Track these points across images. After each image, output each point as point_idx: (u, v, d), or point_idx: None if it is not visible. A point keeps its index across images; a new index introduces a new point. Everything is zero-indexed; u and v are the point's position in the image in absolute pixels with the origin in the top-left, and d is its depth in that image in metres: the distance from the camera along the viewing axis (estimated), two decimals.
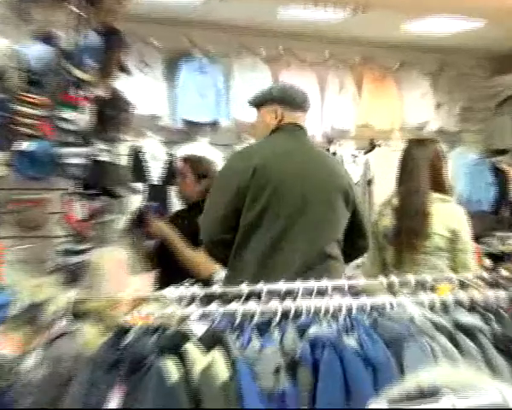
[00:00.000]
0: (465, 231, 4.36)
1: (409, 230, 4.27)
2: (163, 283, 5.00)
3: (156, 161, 7.07)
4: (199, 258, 4.94)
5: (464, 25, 7.79)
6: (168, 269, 5.17)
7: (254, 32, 7.78)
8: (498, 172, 8.87)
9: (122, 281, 4.27)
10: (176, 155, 7.23)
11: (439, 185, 4.40)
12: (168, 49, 7.41)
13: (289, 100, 3.96)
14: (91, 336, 2.45)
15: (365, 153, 8.35)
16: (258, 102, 4.03)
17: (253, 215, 3.68)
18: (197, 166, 5.27)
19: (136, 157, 6.96)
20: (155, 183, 6.97)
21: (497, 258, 7.56)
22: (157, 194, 6.60)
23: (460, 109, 9.10)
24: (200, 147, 7.35)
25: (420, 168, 4.36)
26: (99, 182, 4.42)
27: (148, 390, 2.09)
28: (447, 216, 4.33)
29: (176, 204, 6.89)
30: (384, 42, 8.38)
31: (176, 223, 5.29)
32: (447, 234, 4.30)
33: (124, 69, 4.52)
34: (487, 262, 6.96)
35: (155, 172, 7.04)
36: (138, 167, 6.83)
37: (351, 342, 2.40)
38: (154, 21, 7.25)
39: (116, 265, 4.55)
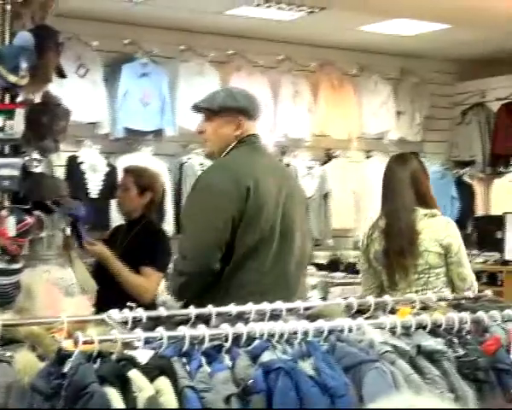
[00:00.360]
0: (457, 243, 4.49)
1: (398, 250, 4.41)
2: (102, 305, 5.03)
3: (95, 173, 7.06)
4: (139, 281, 5.02)
5: (427, 28, 7.94)
6: (107, 290, 5.17)
7: (202, 32, 7.84)
8: (463, 186, 9.05)
9: (57, 303, 4.27)
10: (117, 166, 7.24)
11: (424, 200, 4.51)
12: (108, 50, 7.43)
13: (249, 109, 3.93)
14: (26, 363, 2.45)
15: (321, 164, 8.45)
16: (212, 110, 3.90)
17: (251, 239, 3.71)
18: (141, 178, 5.27)
19: (73, 168, 6.95)
20: (94, 196, 6.95)
21: None
22: (96, 208, 6.56)
23: (422, 118, 9.26)
24: (143, 157, 7.36)
25: (403, 185, 4.47)
26: (33, 195, 4.40)
27: None
28: (436, 231, 4.45)
29: (116, 219, 6.92)
30: (342, 44, 8.51)
31: (115, 240, 5.29)
32: (439, 249, 4.43)
33: (61, 73, 4.52)
34: None
35: (94, 184, 7.03)
36: (75, 179, 6.81)
37: (307, 368, 2.45)
38: (93, 19, 7.28)
39: (51, 286, 4.55)
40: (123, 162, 7.29)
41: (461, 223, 8.69)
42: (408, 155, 4.88)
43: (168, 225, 7.45)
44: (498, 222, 7.05)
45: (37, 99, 4.50)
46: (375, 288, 4.54)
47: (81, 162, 7.08)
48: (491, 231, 7.35)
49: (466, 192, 8.98)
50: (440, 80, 9.43)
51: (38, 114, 4.37)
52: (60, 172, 6.77)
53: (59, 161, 6.72)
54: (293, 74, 8.32)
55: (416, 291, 4.29)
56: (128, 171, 5.42)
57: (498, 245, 6.96)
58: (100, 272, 5.26)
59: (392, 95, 8.95)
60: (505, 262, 6.89)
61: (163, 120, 7.46)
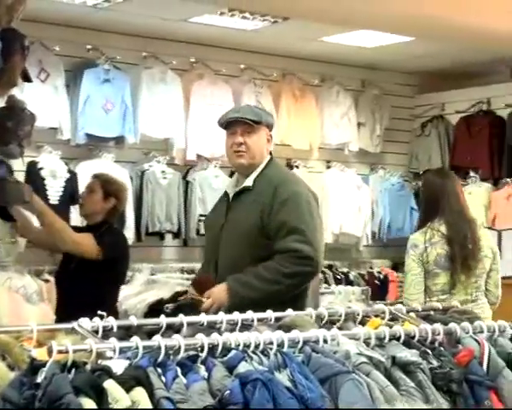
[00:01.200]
0: (498, 252, 5.20)
1: (464, 255, 4.92)
2: (62, 313, 4.97)
3: (55, 179, 6.97)
4: (67, 229, 5.08)
5: (389, 40, 7.99)
6: (68, 298, 5.11)
7: (165, 39, 7.81)
8: None
9: (20, 311, 4.22)
10: (77, 172, 7.16)
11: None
12: (70, 55, 7.35)
13: (272, 124, 4.27)
14: None
15: None
16: (256, 122, 4.06)
17: None
18: (107, 183, 5.32)
19: (33, 174, 6.85)
20: (54, 202, 6.85)
21: None
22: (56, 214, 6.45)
23: (382, 130, 9.31)
24: (105, 164, 7.30)
25: (459, 197, 5.08)
26: None
27: None
28: (490, 239, 5.18)
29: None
30: (304, 55, 8.53)
31: None
32: (491, 255, 5.06)
33: (26, 77, 4.45)
34: None
35: (54, 190, 6.94)
36: (35, 185, 6.67)
37: (283, 379, 2.43)
38: (55, 24, 7.21)
39: (13, 293, 4.48)
40: (83, 169, 7.24)
41: None
42: (446, 170, 5.88)
43: (129, 232, 7.39)
44: None
45: (2, 103, 4.43)
46: (422, 292, 4.95)
47: (41, 168, 6.98)
48: None
49: None
50: (401, 92, 9.49)
51: (3, 118, 4.31)
52: (19, 178, 6.65)
53: (18, 166, 6.62)
54: (255, 83, 8.31)
55: (471, 293, 4.95)
56: (97, 176, 5.47)
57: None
58: (61, 279, 5.20)
59: (353, 106, 8.99)
60: None
61: (125, 127, 7.40)
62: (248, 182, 4.11)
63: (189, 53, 8.02)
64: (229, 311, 3.22)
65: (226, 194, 4.25)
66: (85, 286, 4.92)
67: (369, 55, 8.57)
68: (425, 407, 2.54)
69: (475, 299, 4.99)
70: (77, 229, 5.38)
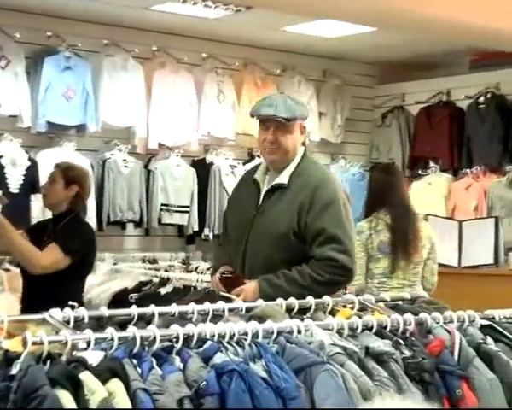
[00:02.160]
0: (436, 243, 5.55)
1: (405, 243, 5.31)
2: (28, 303, 4.91)
3: (15, 167, 6.89)
4: (33, 250, 4.86)
5: (350, 30, 8.01)
6: (33, 290, 5.05)
7: (126, 26, 7.75)
8: None
9: None
10: (38, 160, 7.09)
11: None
12: (31, 42, 7.26)
13: (306, 115, 4.13)
14: None
15: (244, 163, 8.44)
16: (289, 119, 3.91)
17: None
18: (68, 171, 5.20)
19: None
20: (15, 191, 6.78)
21: None
22: (17, 204, 6.37)
23: (343, 120, 9.35)
24: (66, 152, 7.23)
25: (404, 193, 5.61)
26: None
27: None
28: (428, 231, 5.54)
29: (37, 215, 6.78)
30: (266, 44, 8.53)
31: (36, 234, 5.14)
32: (429, 246, 5.45)
33: None
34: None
35: (15, 179, 6.86)
36: None
37: (258, 370, 2.43)
38: (15, 10, 7.11)
39: None
40: (44, 157, 7.17)
41: None
42: (391, 165, 6.37)
43: (90, 221, 7.30)
44: None
45: None
46: (364, 274, 5.30)
47: (1, 156, 6.91)
48: None
49: None
50: (361, 83, 9.53)
51: None
52: None
53: None
54: (217, 72, 8.29)
55: (409, 279, 5.34)
56: (58, 165, 5.35)
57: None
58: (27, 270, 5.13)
59: (314, 96, 9.01)
60: None
61: (86, 115, 7.33)
62: (283, 179, 3.99)
63: (151, 41, 7.97)
64: None
65: (255, 181, 4.09)
66: (52, 278, 4.86)
67: (331, 45, 8.58)
68: (398, 396, 2.55)
69: (412, 284, 5.37)
70: (40, 229, 5.26)
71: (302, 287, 3.79)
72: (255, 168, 4.23)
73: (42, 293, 4.73)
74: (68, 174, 5.16)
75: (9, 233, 4.82)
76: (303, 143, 4.13)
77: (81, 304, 4.24)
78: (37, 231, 5.23)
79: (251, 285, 3.87)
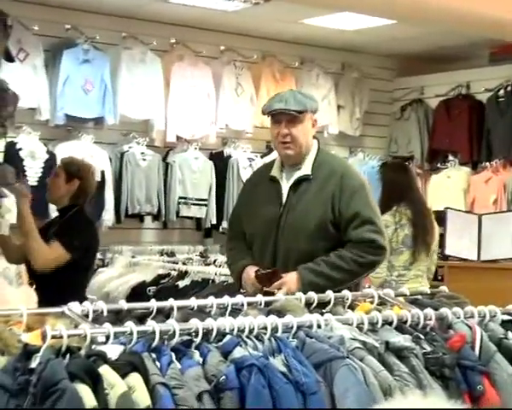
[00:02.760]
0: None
1: (425, 236, 5.73)
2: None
3: (34, 160, 6.91)
4: (41, 246, 4.88)
5: (369, 23, 7.96)
6: (37, 284, 5.05)
7: (145, 19, 7.74)
8: None
9: (4, 293, 4.17)
10: (56, 153, 7.10)
11: None
12: (49, 35, 7.26)
13: (317, 108, 4.17)
14: None
15: (262, 156, 8.42)
16: (301, 112, 3.99)
17: None
18: (70, 165, 5.25)
19: (12, 155, 6.77)
20: (33, 183, 6.78)
21: None
22: (35, 196, 6.37)
23: (362, 113, 9.31)
24: (84, 145, 7.24)
25: (417, 186, 6.18)
26: None
27: None
28: (436, 225, 5.95)
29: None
30: (285, 37, 8.50)
31: (44, 231, 5.15)
32: (437, 238, 5.97)
33: (9, 56, 4.39)
34: None
35: (33, 171, 6.87)
36: (14, 166, 6.60)
37: (278, 364, 2.42)
38: (34, 3, 7.12)
39: None
40: (63, 150, 7.17)
41: None
42: (404, 163, 7.01)
43: (108, 214, 7.35)
44: (439, 217, 7.09)
45: None
46: (386, 268, 5.48)
47: (20, 149, 6.92)
48: None
49: None
50: (380, 75, 9.48)
51: None
52: None
53: None
54: (235, 65, 8.26)
55: (422, 269, 5.72)
56: (61, 161, 5.46)
57: (439, 240, 7.02)
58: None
59: (333, 89, 8.97)
60: (445, 257, 6.95)
61: (104, 108, 7.32)
62: (306, 170, 4.05)
63: (170, 34, 7.95)
64: None
65: (273, 179, 4.12)
66: (55, 273, 4.85)
67: (350, 37, 8.54)
68: (418, 391, 2.54)
69: (422, 274, 5.74)
70: (48, 226, 5.28)
71: (344, 270, 3.91)
72: (267, 167, 4.28)
73: (46, 288, 4.75)
74: (70, 169, 5.20)
75: (28, 225, 4.87)
76: (314, 137, 4.19)
77: (85, 298, 4.23)
78: (46, 229, 5.23)
79: (292, 276, 3.91)
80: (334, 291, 3.25)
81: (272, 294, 3.73)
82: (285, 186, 4.08)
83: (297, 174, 4.06)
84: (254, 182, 4.37)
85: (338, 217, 3.96)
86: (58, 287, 4.69)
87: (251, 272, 4.01)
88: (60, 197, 5.20)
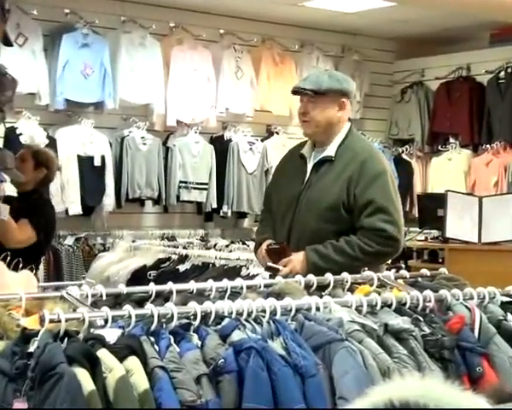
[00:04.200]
0: None
1: None
2: None
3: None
4: (12, 227, 5.07)
5: (369, 5, 7.94)
6: None
7: (143, 3, 7.71)
8: (402, 163, 9.10)
9: (2, 277, 4.14)
10: (56, 138, 7.09)
11: None
12: (48, 19, 7.24)
13: (350, 90, 4.09)
14: None
15: (262, 140, 8.41)
16: (319, 92, 3.96)
17: None
18: (38, 153, 5.49)
19: (12, 140, 6.76)
20: None
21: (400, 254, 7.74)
22: None
23: (362, 96, 9.28)
24: (84, 130, 7.23)
25: None
26: None
27: (61, 402, 2.04)
28: None
29: (56, 194, 6.84)
30: (284, 20, 8.46)
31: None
32: None
33: (7, 40, 4.37)
34: None
35: None
36: (14, 151, 6.60)
37: (277, 347, 2.41)
38: None
39: None
40: (63, 134, 7.17)
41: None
42: None
43: (109, 199, 7.34)
44: (439, 200, 7.09)
45: None
46: None
47: (20, 134, 6.90)
48: (432, 208, 7.40)
49: (405, 170, 9.03)
50: (380, 58, 9.46)
51: None
52: None
53: None
54: (235, 49, 8.24)
55: None
56: (27, 146, 5.78)
57: (439, 223, 7.01)
58: None
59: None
60: (446, 240, 6.94)
61: (104, 92, 7.30)
62: (330, 152, 4.02)
63: (169, 17, 7.93)
64: None
65: (301, 156, 4.12)
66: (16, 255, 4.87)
67: (350, 20, 8.51)
68: (417, 373, 2.53)
69: None
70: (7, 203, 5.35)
71: (350, 257, 3.85)
72: (302, 144, 4.25)
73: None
74: (38, 157, 5.43)
75: None
76: (349, 119, 4.16)
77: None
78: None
79: (298, 256, 3.90)
80: (334, 274, 3.24)
81: (276, 270, 3.84)
82: (310, 165, 4.08)
83: (321, 155, 4.06)
84: (286, 159, 4.37)
85: (352, 202, 3.91)
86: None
87: (264, 246, 4.03)
88: (26, 182, 5.33)
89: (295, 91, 4.09)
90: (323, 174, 4.01)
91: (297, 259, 3.89)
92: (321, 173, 4.02)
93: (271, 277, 3.97)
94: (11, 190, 5.54)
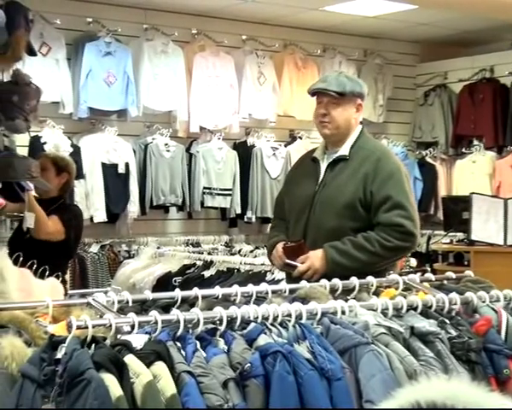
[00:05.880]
0: None
1: None
2: None
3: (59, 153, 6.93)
4: (46, 221, 5.20)
5: (391, 8, 7.93)
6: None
7: (166, 10, 7.75)
8: (426, 167, 9.08)
9: (30, 286, 4.17)
10: (80, 146, 7.14)
11: None
12: (71, 28, 7.30)
13: (365, 93, 4.16)
14: (13, 349, 2.37)
15: (285, 145, 8.42)
16: (341, 94, 4.01)
17: None
18: (57, 160, 5.57)
19: (37, 148, 6.81)
20: None
21: (423, 257, 7.72)
22: None
23: (385, 99, 9.27)
24: (107, 138, 7.27)
25: None
26: (4, 176, 4.30)
27: (89, 408, 2.05)
28: None
29: (81, 201, 6.89)
30: (306, 25, 8.47)
31: None
32: None
33: (31, 50, 4.41)
34: (413, 262, 7.09)
35: None
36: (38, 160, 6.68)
37: (303, 351, 2.41)
38: None
39: (22, 268, 4.44)
40: (87, 143, 7.22)
41: (424, 203, 8.80)
42: None
43: (133, 206, 7.37)
44: (464, 203, 7.06)
45: (7, 78, 4.39)
46: None
47: (44, 142, 6.96)
48: (457, 211, 7.36)
49: (429, 173, 9.02)
50: (403, 61, 9.44)
51: (9, 93, 4.26)
52: (23, 153, 6.62)
53: (21, 140, 6.59)
54: (257, 54, 8.26)
55: None
56: (45, 154, 5.82)
57: (465, 226, 6.98)
58: (14, 247, 5.19)
59: (355, 76, 8.92)
60: (471, 242, 6.91)
61: (127, 100, 7.35)
62: (344, 151, 4.06)
63: (191, 24, 7.97)
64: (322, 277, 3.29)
65: (314, 159, 4.16)
66: (38, 257, 4.88)
67: (372, 24, 8.51)
68: (444, 376, 2.53)
69: None
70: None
71: (370, 253, 3.87)
72: (312, 151, 4.29)
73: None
74: (59, 164, 5.52)
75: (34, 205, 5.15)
76: (361, 122, 4.20)
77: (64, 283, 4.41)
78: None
79: (316, 253, 3.91)
80: (359, 278, 3.24)
81: (294, 267, 3.85)
82: (323, 166, 4.10)
83: (335, 155, 4.08)
84: (298, 163, 4.44)
85: (369, 199, 3.94)
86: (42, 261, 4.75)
87: (279, 246, 4.04)
88: (50, 190, 5.40)
89: (314, 93, 4.10)
90: (339, 173, 4.04)
91: (315, 255, 3.90)
92: (336, 172, 4.05)
93: (288, 275, 4.01)
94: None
